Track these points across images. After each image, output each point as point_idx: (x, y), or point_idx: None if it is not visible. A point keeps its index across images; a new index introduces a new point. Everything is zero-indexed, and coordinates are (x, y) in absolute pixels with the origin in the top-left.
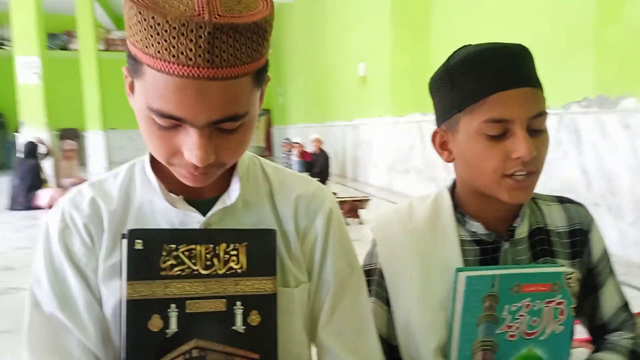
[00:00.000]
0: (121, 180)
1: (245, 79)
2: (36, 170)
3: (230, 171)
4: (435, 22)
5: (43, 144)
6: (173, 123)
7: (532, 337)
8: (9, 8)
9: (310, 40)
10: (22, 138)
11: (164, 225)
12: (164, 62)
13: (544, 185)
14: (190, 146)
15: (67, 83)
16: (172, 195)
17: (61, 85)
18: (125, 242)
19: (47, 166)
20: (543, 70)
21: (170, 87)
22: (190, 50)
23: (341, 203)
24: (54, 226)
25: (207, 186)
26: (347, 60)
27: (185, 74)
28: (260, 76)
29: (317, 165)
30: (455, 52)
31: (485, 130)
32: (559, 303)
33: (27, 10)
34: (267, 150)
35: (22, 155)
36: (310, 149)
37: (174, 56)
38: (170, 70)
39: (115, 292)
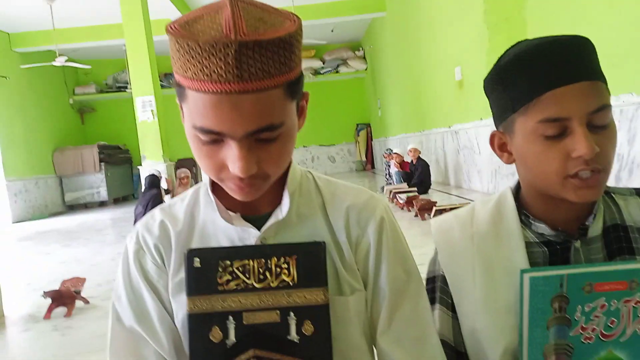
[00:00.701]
0: (187, 202)
1: (276, 91)
2: (157, 200)
3: (283, 186)
4: (530, 17)
5: (161, 176)
6: (214, 137)
7: (610, 339)
8: (125, 54)
9: (405, 50)
10: (143, 171)
11: (224, 242)
12: (200, 81)
13: None
14: (232, 158)
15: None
16: (230, 212)
17: (177, 119)
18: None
19: (167, 197)
20: None
21: (207, 104)
22: (221, 67)
23: (441, 212)
24: (131, 248)
25: (262, 202)
26: (442, 65)
27: (219, 90)
28: (292, 88)
29: (416, 174)
30: (507, 50)
31: (541, 130)
32: (639, 302)
33: (141, 55)
34: (369, 164)
35: (145, 187)
36: (408, 159)
37: (207, 75)
38: (206, 88)
39: (183, 306)
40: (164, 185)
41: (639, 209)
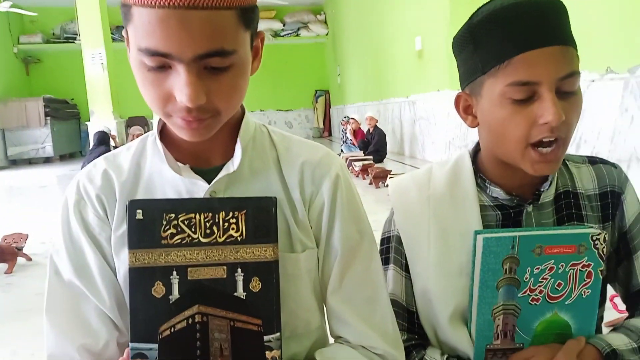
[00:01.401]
0: (133, 152)
1: (229, 13)
2: None
3: (235, 138)
4: None
5: (112, 134)
6: (162, 62)
7: (557, 301)
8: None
9: (367, 17)
10: (92, 127)
11: (171, 194)
12: None
13: (608, 155)
14: (180, 86)
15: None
16: (179, 164)
17: (128, 76)
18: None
19: None
20: (605, 31)
21: (154, 20)
22: None
23: None
24: (71, 198)
25: (213, 154)
26: (403, 35)
27: (166, 4)
28: (246, 15)
29: (372, 143)
30: (479, 8)
31: (510, 94)
32: (586, 265)
33: (92, 4)
34: (326, 131)
35: (94, 143)
36: (365, 127)
37: None
38: (152, 2)
39: (125, 261)
40: (113, 142)
41: (590, 177)
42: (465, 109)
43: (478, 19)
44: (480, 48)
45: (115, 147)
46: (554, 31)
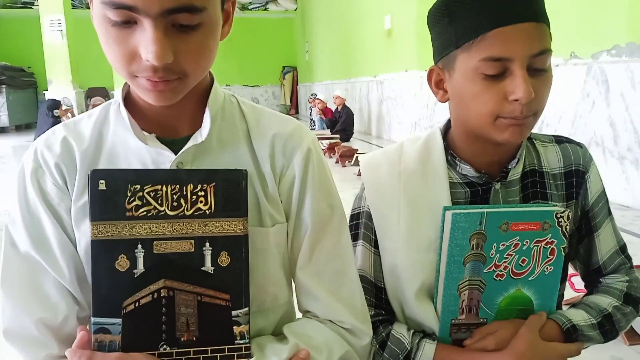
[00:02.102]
0: (95, 119)
1: None
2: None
3: (204, 108)
4: None
5: (64, 104)
6: (127, 16)
7: (520, 277)
8: None
9: None
10: (50, 96)
11: (136, 164)
12: None
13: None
14: (146, 43)
15: (97, 42)
16: (145, 133)
17: (90, 45)
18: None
19: None
20: (571, 16)
21: None
22: None
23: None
24: (28, 166)
25: (180, 124)
26: (372, 13)
27: None
28: None
29: (339, 122)
30: None
31: (482, 69)
32: (549, 242)
33: None
34: (293, 109)
35: (45, 112)
36: (332, 105)
37: None
38: None
39: (86, 233)
40: (56, 113)
41: (556, 156)
42: (437, 83)
43: None
44: (455, 21)
45: (58, 119)
46: (529, 7)
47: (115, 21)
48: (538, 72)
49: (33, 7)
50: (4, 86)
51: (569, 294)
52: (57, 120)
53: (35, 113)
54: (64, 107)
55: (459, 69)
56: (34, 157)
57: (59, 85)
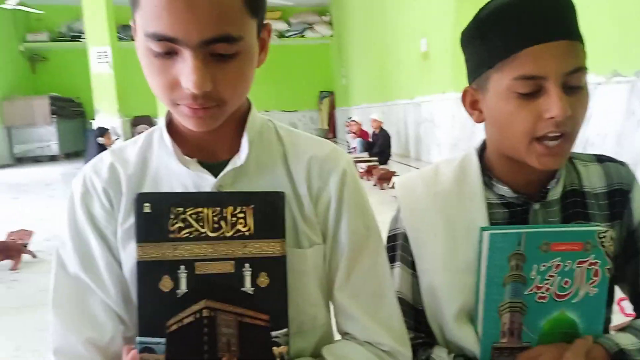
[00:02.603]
0: (140, 145)
1: None
2: None
3: (242, 133)
4: None
5: (109, 132)
6: (168, 47)
7: (563, 299)
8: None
9: (372, 19)
10: (97, 125)
11: (178, 188)
12: None
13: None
14: (186, 72)
15: (141, 72)
16: (186, 157)
17: (134, 75)
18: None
19: None
20: (613, 34)
21: (161, 3)
22: None
23: None
24: (77, 190)
25: (220, 148)
26: (408, 36)
27: None
28: (253, 3)
29: (376, 144)
30: (487, 3)
31: (515, 88)
32: (592, 264)
33: (98, 3)
34: (330, 132)
35: (94, 140)
36: (369, 128)
37: None
38: None
39: (132, 254)
40: (101, 141)
41: (598, 176)
42: (472, 104)
43: (485, 13)
44: (487, 42)
45: (103, 146)
46: (560, 26)
47: (158, 52)
48: (573, 90)
49: (81, 40)
50: (54, 116)
51: (619, 319)
52: (103, 147)
53: (84, 141)
54: (112, 137)
55: (492, 88)
56: (82, 182)
57: (106, 114)
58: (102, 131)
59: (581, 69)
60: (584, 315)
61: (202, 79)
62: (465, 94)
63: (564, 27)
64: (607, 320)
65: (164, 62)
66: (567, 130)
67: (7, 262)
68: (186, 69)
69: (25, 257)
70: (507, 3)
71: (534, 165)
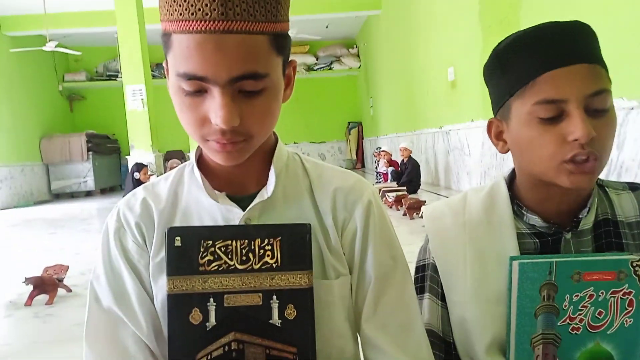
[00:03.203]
0: (171, 181)
1: (262, 38)
2: None
3: (269, 166)
4: (524, 20)
5: (146, 167)
6: (198, 85)
7: (598, 330)
8: (117, 42)
9: (399, 49)
10: (132, 161)
11: (208, 221)
12: (185, 21)
13: None
14: (215, 108)
15: (173, 109)
16: (216, 191)
17: (167, 111)
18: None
19: None
20: None
21: (192, 45)
22: (206, 5)
23: None
24: (111, 226)
25: (248, 182)
26: (435, 65)
27: (203, 28)
28: (278, 41)
29: (405, 173)
30: (507, 36)
31: (537, 113)
32: (627, 293)
33: (133, 43)
34: (359, 163)
35: (131, 175)
36: (399, 158)
37: (192, 14)
38: (190, 28)
39: (163, 287)
40: (136, 176)
41: (632, 204)
42: (497, 135)
43: (504, 44)
44: (507, 72)
45: (140, 181)
46: (578, 50)
47: (189, 91)
48: (598, 113)
49: (117, 79)
50: (90, 152)
51: None
52: (140, 183)
53: (119, 176)
54: (149, 172)
55: (514, 116)
56: (117, 217)
57: (140, 150)
58: (139, 167)
59: (604, 91)
60: (619, 347)
61: (230, 115)
62: (490, 125)
63: (582, 51)
64: None
65: (194, 100)
66: (595, 152)
67: (43, 297)
68: (215, 106)
69: (60, 291)
70: (525, 32)
71: (565, 185)
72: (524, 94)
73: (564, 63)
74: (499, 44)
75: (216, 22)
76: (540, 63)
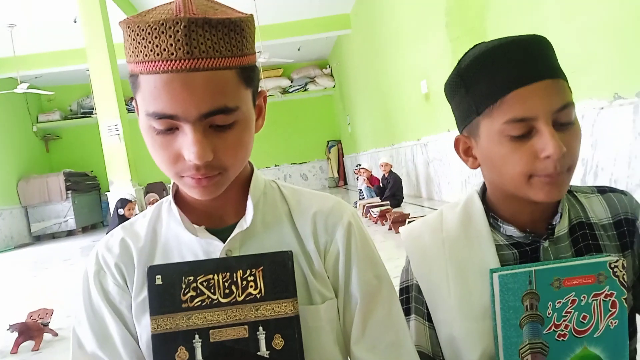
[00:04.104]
0: (149, 218)
1: (229, 73)
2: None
3: (247, 196)
4: (491, 30)
5: (130, 202)
6: (169, 124)
7: (584, 334)
8: (90, 79)
9: (372, 66)
10: (112, 196)
11: (188, 256)
12: (151, 62)
13: (627, 180)
14: (187, 145)
15: None
16: (194, 225)
17: (144, 144)
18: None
19: None
20: (612, 57)
21: (159, 85)
22: (171, 45)
23: None
24: (90, 269)
25: (226, 213)
26: (408, 79)
27: (169, 68)
28: (246, 74)
29: (388, 188)
30: (466, 53)
31: (507, 131)
32: (608, 295)
33: (106, 79)
34: (341, 180)
35: (116, 212)
36: (378, 173)
37: (157, 54)
38: (157, 68)
39: (147, 327)
40: (121, 212)
41: (602, 206)
42: (465, 151)
43: (466, 63)
44: (471, 91)
45: (124, 217)
46: (542, 66)
47: (160, 130)
48: (565, 126)
49: (92, 115)
50: (69, 191)
51: None
52: (125, 218)
53: (100, 213)
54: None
55: (484, 134)
56: (95, 260)
57: (120, 185)
58: (124, 202)
59: (569, 105)
60: (608, 349)
61: (203, 150)
62: (457, 142)
63: (545, 67)
64: (634, 351)
65: (166, 138)
66: (566, 166)
67: (29, 343)
68: (187, 142)
69: (47, 336)
70: (487, 50)
71: (540, 199)
72: (492, 112)
73: (530, 80)
74: (460, 62)
75: (182, 61)
76: (506, 82)
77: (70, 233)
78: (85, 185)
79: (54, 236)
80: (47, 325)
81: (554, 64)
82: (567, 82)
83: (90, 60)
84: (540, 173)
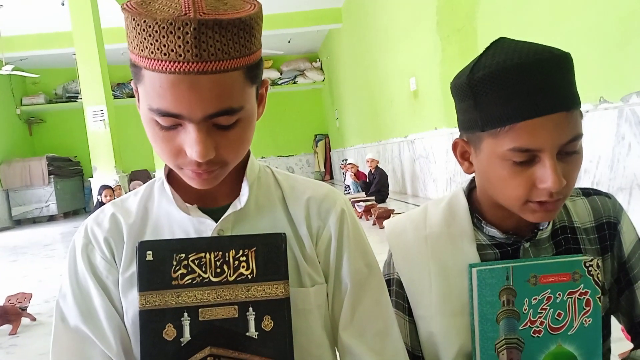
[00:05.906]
0: (140, 196)
1: (236, 73)
2: None
3: (242, 178)
4: (481, 28)
5: (111, 189)
6: (173, 121)
7: (559, 332)
8: (76, 63)
9: (361, 61)
10: (95, 183)
11: (179, 234)
12: (157, 61)
13: (609, 183)
14: (190, 143)
15: (137, 128)
16: (187, 204)
17: (131, 130)
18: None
19: None
20: (598, 61)
21: (165, 84)
22: (179, 46)
23: None
24: (79, 242)
25: (220, 194)
26: (397, 76)
27: (177, 69)
28: (252, 72)
29: (374, 183)
30: (480, 59)
31: (510, 157)
32: (583, 293)
33: (92, 64)
34: (327, 175)
35: (98, 198)
36: (365, 168)
37: (165, 54)
38: (163, 68)
39: (133, 303)
40: (102, 200)
41: (586, 210)
42: (463, 154)
43: (479, 75)
44: (480, 106)
45: (102, 203)
46: (559, 96)
47: (163, 125)
48: (569, 155)
49: (77, 100)
50: (52, 176)
51: (626, 346)
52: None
53: (83, 200)
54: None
55: (485, 151)
56: (84, 233)
57: (104, 171)
58: (102, 189)
59: (578, 137)
60: (582, 347)
61: (206, 149)
62: (455, 144)
63: (563, 97)
64: (607, 351)
65: (169, 133)
66: (560, 197)
67: (7, 327)
68: (190, 140)
69: (24, 320)
70: (503, 69)
71: (531, 220)
72: (498, 135)
73: (543, 112)
74: (474, 70)
75: (190, 64)
76: (519, 110)
77: (51, 218)
78: (69, 170)
79: (34, 221)
80: (26, 309)
81: (572, 92)
82: (580, 109)
83: (77, 44)
84: (535, 199)
